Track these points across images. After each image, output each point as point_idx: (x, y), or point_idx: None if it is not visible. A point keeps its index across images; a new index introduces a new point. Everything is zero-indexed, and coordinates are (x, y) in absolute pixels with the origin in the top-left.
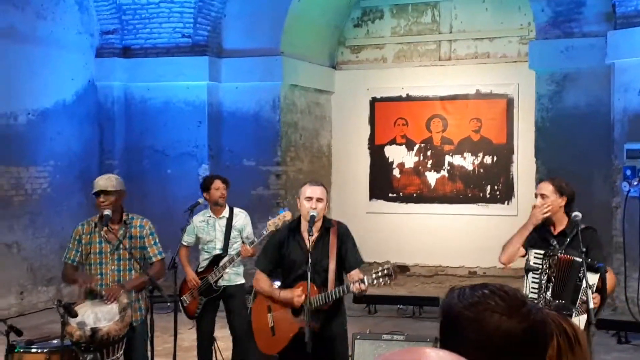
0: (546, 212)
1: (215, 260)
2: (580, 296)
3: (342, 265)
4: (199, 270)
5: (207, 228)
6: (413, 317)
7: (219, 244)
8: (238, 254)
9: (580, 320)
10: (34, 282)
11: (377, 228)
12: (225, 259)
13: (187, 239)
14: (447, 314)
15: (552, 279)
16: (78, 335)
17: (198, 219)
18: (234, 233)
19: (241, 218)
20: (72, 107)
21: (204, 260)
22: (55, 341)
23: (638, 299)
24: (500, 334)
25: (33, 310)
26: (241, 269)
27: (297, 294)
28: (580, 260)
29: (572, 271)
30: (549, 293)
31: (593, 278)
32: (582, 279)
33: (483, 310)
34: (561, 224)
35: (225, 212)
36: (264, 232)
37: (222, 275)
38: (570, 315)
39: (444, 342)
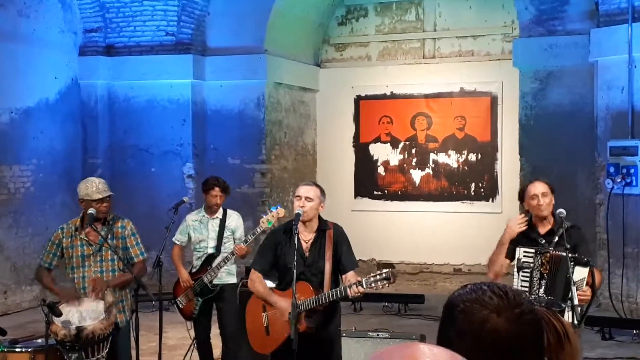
0: (523, 227)
1: (208, 260)
2: (573, 289)
3: (337, 267)
4: (193, 271)
5: (200, 227)
6: (398, 315)
7: (212, 244)
8: (233, 253)
9: (572, 315)
10: (18, 282)
11: (362, 226)
12: (219, 258)
13: (180, 237)
14: (446, 305)
15: (545, 275)
16: (63, 334)
17: (192, 218)
18: (226, 233)
19: (234, 219)
20: (56, 105)
21: (197, 259)
22: (39, 340)
23: (622, 296)
24: (487, 330)
25: (17, 309)
26: (234, 269)
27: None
28: (570, 255)
29: (564, 267)
30: (542, 290)
31: (582, 272)
32: (573, 274)
33: (474, 305)
34: (548, 222)
35: (219, 213)
36: (258, 230)
37: (216, 275)
38: (562, 312)
39: (441, 332)
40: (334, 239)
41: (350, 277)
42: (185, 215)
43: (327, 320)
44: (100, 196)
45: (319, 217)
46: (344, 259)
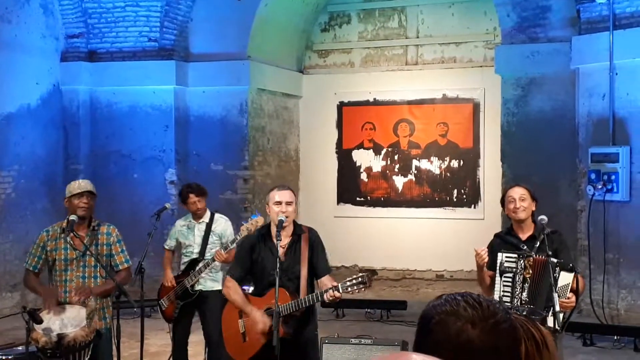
0: (484, 261)
1: (192, 264)
2: (554, 296)
3: (312, 271)
4: (178, 274)
5: (186, 232)
6: (381, 321)
7: (197, 248)
8: (213, 259)
9: (554, 321)
10: None
11: (345, 232)
12: (201, 263)
13: (169, 242)
14: (421, 317)
15: (528, 279)
16: (44, 341)
17: (180, 223)
18: (212, 238)
19: (221, 223)
20: (37, 111)
21: (182, 264)
22: (20, 348)
23: (603, 302)
24: (462, 341)
25: None
26: (219, 275)
27: (266, 322)
28: (555, 260)
29: (547, 272)
30: (524, 294)
31: (567, 278)
32: (558, 279)
33: (449, 316)
34: (529, 229)
35: (206, 217)
36: (238, 237)
37: (197, 280)
38: (544, 320)
39: (417, 343)
40: (309, 243)
41: (325, 281)
42: (173, 220)
43: (304, 324)
44: (78, 190)
45: (294, 222)
46: (319, 264)
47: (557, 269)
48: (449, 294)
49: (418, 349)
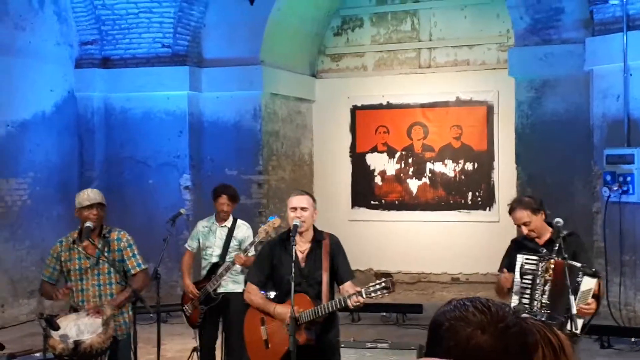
0: (507, 287)
1: (213, 268)
2: (577, 301)
3: (334, 277)
4: (199, 279)
5: (208, 234)
6: (397, 325)
7: (217, 251)
8: (234, 262)
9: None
10: (15, 295)
11: (359, 236)
12: (222, 267)
13: (190, 243)
14: (432, 322)
15: (549, 282)
16: (61, 348)
17: (202, 224)
18: (233, 243)
19: (243, 230)
20: (52, 118)
21: (202, 268)
22: (37, 354)
23: (620, 304)
24: (472, 347)
25: (14, 323)
26: (241, 277)
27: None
28: (579, 265)
29: (571, 276)
30: (545, 297)
31: (590, 283)
32: (580, 284)
33: (458, 322)
34: (546, 232)
35: (228, 222)
36: (255, 239)
37: (220, 283)
38: (562, 325)
39: (428, 349)
40: (330, 249)
41: (348, 287)
42: (189, 225)
43: (326, 330)
44: (88, 203)
45: (314, 227)
46: (341, 270)
47: (581, 273)
48: (458, 300)
49: (430, 356)
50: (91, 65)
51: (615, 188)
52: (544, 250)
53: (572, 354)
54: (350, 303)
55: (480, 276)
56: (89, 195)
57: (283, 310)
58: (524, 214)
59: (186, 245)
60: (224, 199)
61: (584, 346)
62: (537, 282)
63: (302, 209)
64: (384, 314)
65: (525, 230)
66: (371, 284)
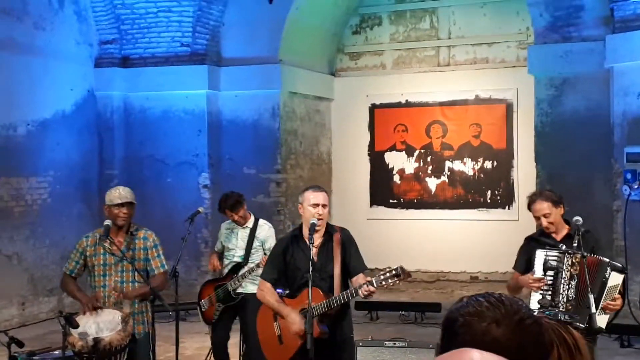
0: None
1: (235, 268)
2: (604, 296)
3: (346, 270)
4: (219, 277)
5: (230, 236)
6: (415, 323)
7: (240, 252)
8: (258, 265)
9: (601, 321)
10: (35, 293)
11: (378, 234)
12: (245, 268)
13: (218, 245)
14: (445, 319)
15: (575, 276)
16: (80, 345)
17: (224, 226)
18: (255, 243)
19: (264, 230)
20: (72, 117)
21: (224, 267)
22: (57, 352)
23: None
24: (488, 341)
25: (34, 321)
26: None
27: (302, 324)
28: (607, 260)
29: (600, 272)
30: (571, 291)
31: (618, 279)
32: (608, 280)
33: (473, 317)
34: (563, 229)
35: (250, 223)
36: None
37: (240, 284)
38: (591, 319)
39: (443, 348)
40: (341, 242)
41: (359, 278)
42: (207, 224)
43: (339, 324)
44: (119, 201)
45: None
46: (352, 262)
47: (609, 268)
48: (470, 296)
49: (444, 353)
50: (111, 65)
51: (636, 186)
52: (563, 246)
53: (587, 353)
54: (361, 292)
55: (500, 275)
56: (121, 194)
57: (295, 317)
58: (544, 205)
59: (215, 248)
60: (227, 213)
61: (604, 345)
62: (562, 277)
63: (324, 206)
64: (403, 312)
65: (544, 222)
66: (381, 272)
